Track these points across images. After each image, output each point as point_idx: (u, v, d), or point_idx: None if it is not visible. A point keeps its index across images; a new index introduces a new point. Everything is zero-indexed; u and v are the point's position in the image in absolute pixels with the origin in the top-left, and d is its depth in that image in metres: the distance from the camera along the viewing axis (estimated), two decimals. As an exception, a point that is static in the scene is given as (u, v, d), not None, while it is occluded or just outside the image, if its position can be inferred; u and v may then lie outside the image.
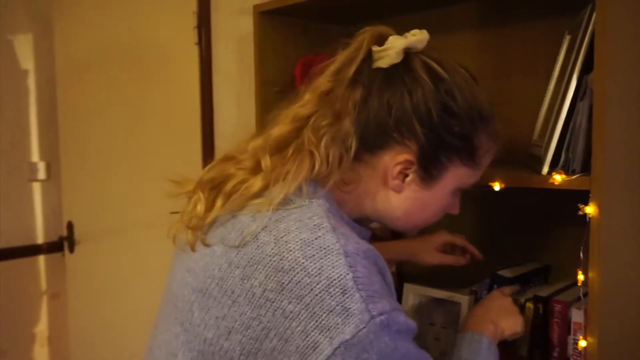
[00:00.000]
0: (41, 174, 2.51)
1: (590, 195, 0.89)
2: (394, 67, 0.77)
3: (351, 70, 0.77)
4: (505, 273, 1.21)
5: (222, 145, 1.92)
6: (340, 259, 0.67)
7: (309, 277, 0.67)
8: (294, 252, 0.68)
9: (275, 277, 0.68)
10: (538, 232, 1.31)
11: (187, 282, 0.79)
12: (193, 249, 0.79)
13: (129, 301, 2.12)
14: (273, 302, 0.68)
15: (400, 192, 0.80)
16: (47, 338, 2.56)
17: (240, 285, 0.71)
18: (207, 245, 0.77)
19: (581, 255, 0.91)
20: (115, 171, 2.17)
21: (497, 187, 1.03)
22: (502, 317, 0.98)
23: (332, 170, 0.75)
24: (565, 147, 0.97)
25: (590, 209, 0.88)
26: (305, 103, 0.78)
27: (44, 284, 2.56)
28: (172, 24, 2.00)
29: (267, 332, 0.68)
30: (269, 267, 0.69)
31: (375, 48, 0.78)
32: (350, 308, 0.65)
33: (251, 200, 0.75)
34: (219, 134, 1.94)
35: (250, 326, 0.69)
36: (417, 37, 0.78)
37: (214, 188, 0.79)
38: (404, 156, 0.77)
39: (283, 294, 0.67)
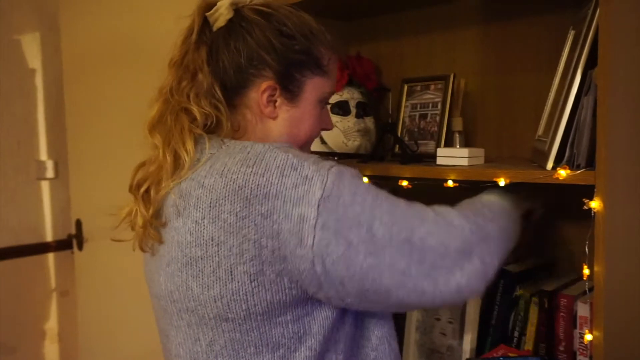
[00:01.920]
0: (49, 173, 2.52)
1: (595, 190, 0.89)
2: (230, 22, 0.89)
3: (194, 37, 0.89)
4: (512, 268, 1.21)
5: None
6: (275, 151, 0.79)
7: (263, 177, 0.76)
8: (239, 171, 0.78)
9: (237, 197, 0.76)
10: (543, 227, 1.31)
11: (171, 272, 0.83)
12: (160, 240, 0.86)
13: (137, 298, 2.13)
14: (248, 216, 0.75)
15: (276, 118, 0.91)
16: (57, 335, 2.58)
17: (214, 228, 0.77)
18: (164, 224, 0.85)
19: (586, 249, 0.92)
20: (123, 168, 2.18)
21: (502, 182, 1.03)
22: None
23: (218, 120, 0.87)
24: (569, 142, 0.97)
25: (595, 204, 0.89)
26: (165, 78, 0.91)
27: (53, 282, 2.58)
28: (178, 22, 2.01)
29: (260, 242, 0.75)
30: (228, 195, 0.77)
31: (208, 13, 0.90)
32: (307, 174, 0.76)
33: (175, 174, 0.84)
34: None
35: (244, 250, 0.76)
36: None
37: (143, 187, 0.88)
38: (266, 83, 0.88)
39: (252, 204, 0.75)
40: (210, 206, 0.78)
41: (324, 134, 1.46)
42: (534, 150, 1.17)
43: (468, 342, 1.20)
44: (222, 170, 0.79)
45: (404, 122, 1.42)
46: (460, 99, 1.34)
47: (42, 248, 2.52)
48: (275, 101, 0.90)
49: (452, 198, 1.44)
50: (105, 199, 2.29)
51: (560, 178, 0.93)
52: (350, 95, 1.49)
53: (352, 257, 0.75)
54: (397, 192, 1.56)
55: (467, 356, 1.20)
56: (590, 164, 0.93)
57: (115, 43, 2.18)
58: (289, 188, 0.75)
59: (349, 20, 1.64)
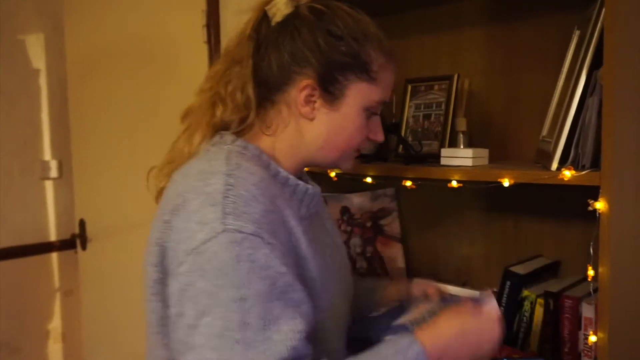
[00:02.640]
0: (53, 172, 2.52)
1: (600, 190, 0.89)
2: (286, 18, 0.86)
3: (248, 28, 0.88)
4: (519, 269, 1.20)
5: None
6: (221, 178, 0.75)
7: (194, 194, 0.75)
8: (190, 179, 0.78)
9: (173, 202, 0.77)
10: (548, 227, 1.30)
11: (145, 250, 0.86)
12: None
13: (141, 297, 2.14)
14: (169, 222, 0.76)
15: (313, 119, 0.86)
16: (61, 334, 2.59)
17: (155, 222, 0.80)
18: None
19: (591, 250, 0.91)
20: (126, 169, 2.19)
21: (506, 183, 1.03)
22: (470, 350, 0.84)
23: (245, 116, 0.85)
24: (574, 142, 0.97)
25: (600, 205, 0.88)
26: (216, 63, 0.91)
27: (57, 281, 2.58)
28: (182, 23, 2.01)
29: (165, 252, 0.76)
30: (172, 196, 0.78)
31: (267, 7, 0.88)
32: (206, 219, 0.71)
33: (183, 159, 0.86)
34: (229, 131, 1.94)
35: (153, 252, 0.78)
36: None
37: (170, 163, 0.90)
38: (305, 82, 0.84)
39: (175, 214, 0.75)
40: (164, 201, 0.81)
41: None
42: (538, 150, 1.17)
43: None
44: (185, 173, 0.81)
45: (407, 122, 1.41)
46: (464, 99, 1.34)
47: (46, 247, 2.52)
48: (315, 102, 0.85)
49: (455, 199, 1.44)
50: (108, 198, 2.30)
51: (565, 179, 0.93)
52: (354, 96, 1.48)
53: (176, 323, 0.73)
54: (401, 192, 1.57)
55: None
56: (595, 164, 0.92)
57: (119, 44, 2.18)
58: (195, 222, 0.72)
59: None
